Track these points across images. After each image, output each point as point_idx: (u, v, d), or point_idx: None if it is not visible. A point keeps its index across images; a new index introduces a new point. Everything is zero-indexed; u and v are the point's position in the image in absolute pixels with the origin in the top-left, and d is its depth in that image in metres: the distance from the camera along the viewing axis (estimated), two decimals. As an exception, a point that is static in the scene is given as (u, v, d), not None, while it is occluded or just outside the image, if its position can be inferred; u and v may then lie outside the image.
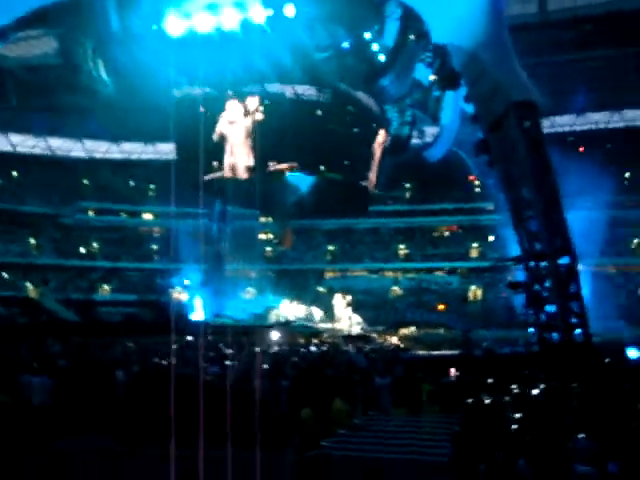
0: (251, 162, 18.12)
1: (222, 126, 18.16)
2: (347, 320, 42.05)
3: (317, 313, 44.18)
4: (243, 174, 18.05)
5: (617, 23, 40.30)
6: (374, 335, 36.30)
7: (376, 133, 20.41)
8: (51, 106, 47.57)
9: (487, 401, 10.87)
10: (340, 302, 41.99)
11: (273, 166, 18.07)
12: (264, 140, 18.35)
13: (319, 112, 18.79)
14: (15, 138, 55.10)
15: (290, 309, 42.99)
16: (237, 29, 16.50)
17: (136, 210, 59.09)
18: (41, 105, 47.69)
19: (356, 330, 39.41)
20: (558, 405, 10.55)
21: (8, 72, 40.40)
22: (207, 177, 18.03)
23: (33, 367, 13.27)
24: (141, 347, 22.96)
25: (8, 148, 55.31)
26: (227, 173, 18.37)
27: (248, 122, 18.28)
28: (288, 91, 18.62)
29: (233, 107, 18.11)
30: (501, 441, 8.88)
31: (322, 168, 19.26)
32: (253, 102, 18.34)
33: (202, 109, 17.51)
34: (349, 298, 42.21)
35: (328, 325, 41.25)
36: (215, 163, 18.43)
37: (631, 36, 40.55)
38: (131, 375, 13.56)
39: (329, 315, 44.15)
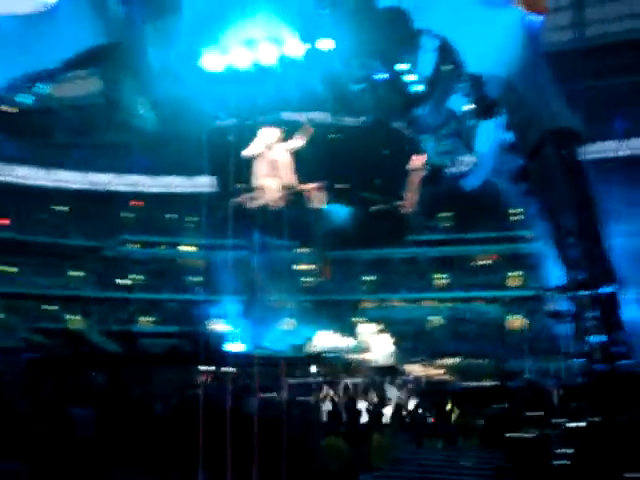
0: (285, 184, 18.13)
1: (256, 149, 18.24)
2: (384, 351, 41.59)
3: (353, 343, 43.81)
4: (277, 197, 18.06)
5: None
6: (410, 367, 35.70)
7: (409, 158, 20.34)
8: (95, 143, 49.15)
9: (531, 435, 10.61)
10: (373, 331, 41.63)
11: (298, 186, 18.09)
12: (300, 166, 18.44)
13: (354, 137, 18.85)
14: (61, 174, 56.69)
15: (328, 340, 42.73)
16: (274, 63, 16.76)
17: (175, 242, 59.91)
18: (86, 142, 49.31)
19: (390, 361, 38.85)
20: (608, 441, 10.23)
21: (55, 112, 41.92)
22: (237, 200, 18.08)
23: (78, 399, 13.44)
24: (181, 378, 23.10)
25: (54, 184, 56.90)
26: (260, 197, 18.36)
27: (284, 147, 18.39)
28: (324, 117, 18.73)
29: (268, 132, 18.26)
30: (547, 477, 8.64)
31: (359, 192, 19.22)
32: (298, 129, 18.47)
33: (233, 138, 17.68)
34: (380, 327, 41.69)
35: (364, 356, 40.83)
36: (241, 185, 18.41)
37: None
38: (169, 408, 13.64)
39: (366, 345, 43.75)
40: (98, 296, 54.05)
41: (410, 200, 20.36)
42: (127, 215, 59.88)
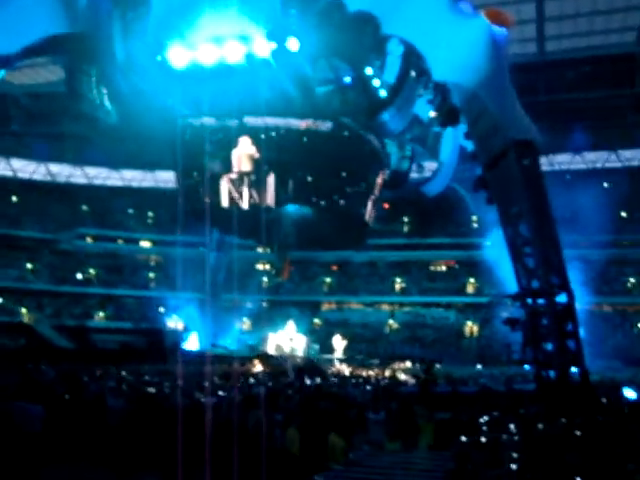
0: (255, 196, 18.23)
1: (235, 160, 18.31)
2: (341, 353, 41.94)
3: (313, 345, 44.07)
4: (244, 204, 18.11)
5: (614, 64, 41.11)
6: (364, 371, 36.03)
7: (376, 168, 20.50)
8: (53, 133, 48.17)
9: (483, 439, 10.77)
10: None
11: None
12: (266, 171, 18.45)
13: (318, 140, 18.89)
14: (16, 163, 55.42)
15: (285, 340, 42.84)
16: (241, 62, 16.65)
17: (133, 237, 59.13)
18: (43, 131, 48.31)
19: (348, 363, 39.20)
20: (558, 445, 10.44)
21: (12, 99, 40.95)
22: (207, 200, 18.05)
23: (25, 394, 13.12)
24: (134, 375, 22.78)
25: (9, 173, 55.59)
26: (225, 202, 18.39)
27: (252, 154, 18.39)
28: (292, 123, 18.73)
29: (244, 141, 18.28)
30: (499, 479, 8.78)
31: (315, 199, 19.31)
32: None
33: (206, 139, 17.58)
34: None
35: (323, 357, 41.10)
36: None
37: (627, 77, 41.32)
38: (124, 404, 13.42)
39: (325, 347, 44.00)
40: (52, 290, 52.96)
41: (372, 212, 20.52)
42: (84, 208, 58.84)
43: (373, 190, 20.39)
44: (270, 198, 18.25)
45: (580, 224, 43.23)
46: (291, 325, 43.83)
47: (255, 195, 18.17)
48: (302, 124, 18.44)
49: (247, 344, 45.13)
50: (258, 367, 33.04)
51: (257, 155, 18.18)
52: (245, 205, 18.12)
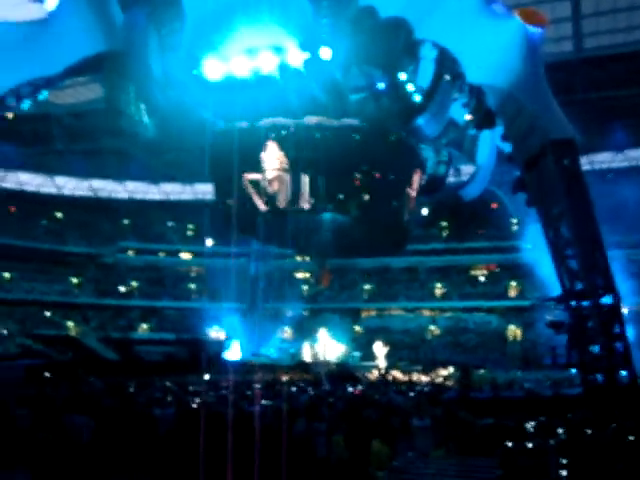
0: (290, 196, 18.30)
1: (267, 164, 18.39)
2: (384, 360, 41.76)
3: (353, 352, 43.98)
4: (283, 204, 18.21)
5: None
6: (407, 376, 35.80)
7: (412, 172, 20.39)
8: (95, 149, 49.29)
9: (530, 445, 10.59)
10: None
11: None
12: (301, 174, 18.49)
13: (356, 141, 18.86)
14: (59, 180, 56.83)
15: (334, 349, 42.86)
16: (274, 72, 16.82)
17: (174, 249, 59.95)
18: (85, 149, 49.47)
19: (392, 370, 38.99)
20: (608, 451, 10.21)
21: (54, 118, 42.05)
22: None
23: (75, 406, 13.41)
24: (179, 386, 23.07)
25: (53, 190, 57.03)
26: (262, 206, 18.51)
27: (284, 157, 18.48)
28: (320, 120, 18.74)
29: (272, 145, 18.38)
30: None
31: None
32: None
33: (238, 144, 17.76)
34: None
35: (365, 364, 40.98)
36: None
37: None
38: (169, 414, 13.61)
39: (365, 355, 43.86)
40: (97, 303, 54.04)
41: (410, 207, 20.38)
42: (126, 222, 59.95)
43: (411, 187, 20.19)
44: (305, 200, 18.27)
45: (624, 223, 42.24)
46: (324, 333, 43.79)
47: (288, 196, 18.22)
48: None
49: (288, 353, 45.24)
50: (298, 375, 33.15)
51: (284, 158, 18.24)
52: (282, 204, 18.17)
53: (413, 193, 20.22)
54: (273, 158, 18.30)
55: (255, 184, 18.39)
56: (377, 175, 19.37)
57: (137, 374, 30.62)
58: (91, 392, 19.34)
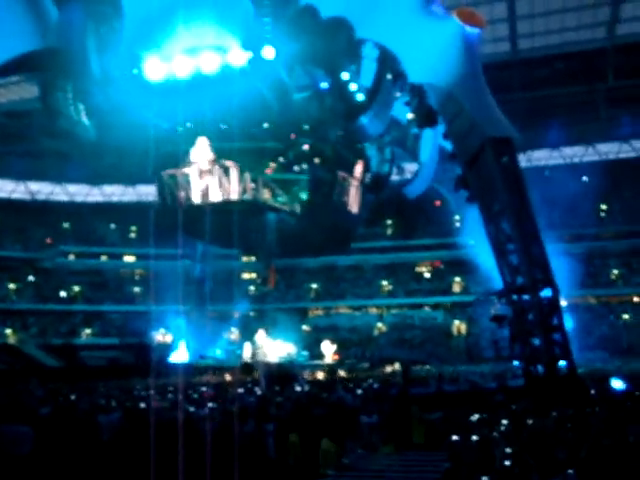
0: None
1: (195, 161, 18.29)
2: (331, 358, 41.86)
3: (301, 352, 43.91)
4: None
5: (586, 60, 41.67)
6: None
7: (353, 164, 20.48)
8: (31, 150, 47.79)
9: (475, 437, 10.79)
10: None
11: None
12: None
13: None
14: (-6, 183, 54.91)
15: (274, 348, 42.65)
16: (217, 72, 16.66)
17: (116, 252, 58.68)
18: (21, 150, 47.92)
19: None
20: (550, 439, 10.51)
21: (-13, 118, 40.55)
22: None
23: (13, 416, 12.95)
24: (123, 391, 22.60)
25: (-13, 193, 55.07)
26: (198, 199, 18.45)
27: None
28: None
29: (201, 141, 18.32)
30: (492, 476, 8.81)
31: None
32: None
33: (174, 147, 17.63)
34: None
35: (313, 363, 40.99)
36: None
37: (600, 73, 41.93)
38: (114, 420, 13.31)
39: (314, 354, 43.88)
40: (37, 309, 52.40)
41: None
42: (65, 225, 58.35)
43: (353, 176, 20.28)
44: (234, 191, 18.25)
45: (561, 219, 43.65)
46: (262, 333, 43.69)
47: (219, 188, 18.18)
48: None
49: (235, 354, 44.88)
50: (244, 376, 32.88)
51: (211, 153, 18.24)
52: (216, 198, 18.13)
53: (355, 183, 20.25)
54: (202, 152, 18.20)
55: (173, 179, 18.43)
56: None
57: (81, 380, 29.89)
58: (30, 401, 18.72)
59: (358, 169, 20.41)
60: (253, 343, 42.44)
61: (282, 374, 32.30)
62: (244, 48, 16.39)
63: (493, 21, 34.79)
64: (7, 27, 15.59)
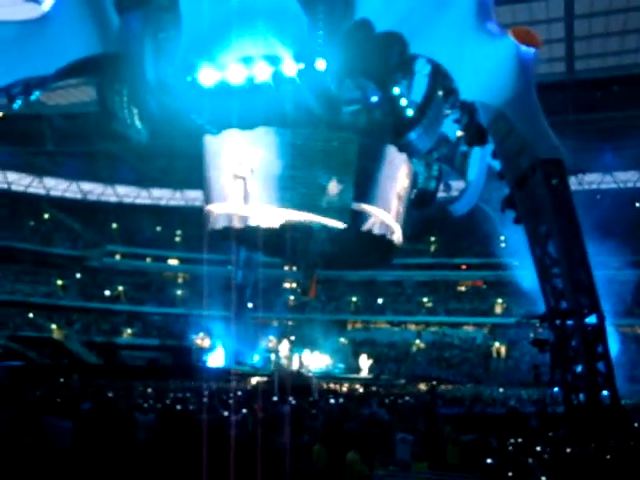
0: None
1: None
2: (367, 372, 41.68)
3: (338, 364, 43.88)
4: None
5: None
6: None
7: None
8: (85, 152, 49.14)
9: (510, 462, 10.59)
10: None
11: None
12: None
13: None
14: (49, 182, 56.56)
15: (311, 359, 42.71)
16: (268, 81, 16.84)
17: (161, 255, 59.72)
18: (76, 151, 49.31)
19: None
20: (587, 469, 10.24)
21: (46, 119, 41.88)
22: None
23: (55, 409, 13.25)
24: (161, 391, 22.90)
25: (41, 191, 56.74)
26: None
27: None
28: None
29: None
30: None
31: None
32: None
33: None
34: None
35: (349, 376, 40.87)
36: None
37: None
38: (150, 420, 13.47)
39: (350, 367, 43.77)
40: (81, 306, 53.62)
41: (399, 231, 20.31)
42: (114, 226, 59.69)
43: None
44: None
45: (611, 244, 42.60)
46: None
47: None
48: None
49: (272, 362, 45.09)
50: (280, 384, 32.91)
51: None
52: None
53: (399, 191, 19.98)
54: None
55: None
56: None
57: (120, 379, 30.42)
58: (71, 395, 19.14)
59: (400, 175, 20.20)
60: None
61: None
62: (296, 60, 16.53)
63: (550, 40, 34.31)
64: (71, 31, 16.08)
